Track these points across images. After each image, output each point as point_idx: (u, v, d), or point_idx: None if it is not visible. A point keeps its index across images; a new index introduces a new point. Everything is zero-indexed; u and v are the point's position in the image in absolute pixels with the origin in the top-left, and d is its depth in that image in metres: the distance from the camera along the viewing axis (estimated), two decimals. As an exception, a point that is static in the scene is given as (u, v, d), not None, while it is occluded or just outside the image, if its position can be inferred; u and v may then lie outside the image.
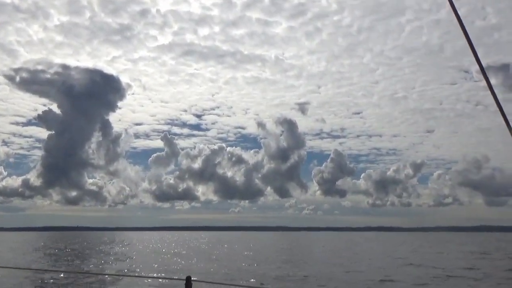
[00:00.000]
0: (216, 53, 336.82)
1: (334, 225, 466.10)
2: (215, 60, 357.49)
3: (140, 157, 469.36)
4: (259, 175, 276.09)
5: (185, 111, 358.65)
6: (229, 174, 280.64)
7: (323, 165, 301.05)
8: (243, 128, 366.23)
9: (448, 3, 2.81)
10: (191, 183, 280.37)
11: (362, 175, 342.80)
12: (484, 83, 2.72)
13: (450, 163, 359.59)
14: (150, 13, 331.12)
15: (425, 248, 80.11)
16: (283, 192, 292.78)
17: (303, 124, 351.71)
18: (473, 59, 2.69)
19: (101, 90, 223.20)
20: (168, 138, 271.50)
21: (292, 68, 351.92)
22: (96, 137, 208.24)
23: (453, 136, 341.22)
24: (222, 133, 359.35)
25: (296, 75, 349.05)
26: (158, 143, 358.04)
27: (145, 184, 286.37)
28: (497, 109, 2.74)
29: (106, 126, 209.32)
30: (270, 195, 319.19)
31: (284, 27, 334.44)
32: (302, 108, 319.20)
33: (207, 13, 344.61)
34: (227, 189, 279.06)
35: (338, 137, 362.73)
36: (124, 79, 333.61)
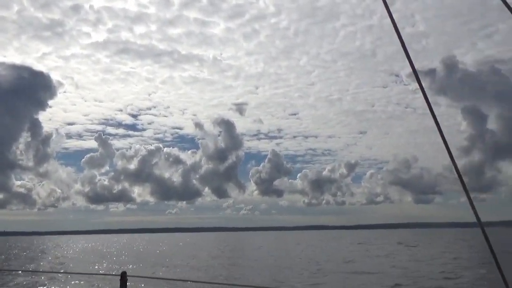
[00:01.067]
0: (152, 52, 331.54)
1: (271, 224, 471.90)
2: (152, 59, 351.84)
3: (72, 158, 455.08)
4: (197, 176, 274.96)
5: (121, 110, 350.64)
6: (166, 175, 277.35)
7: (261, 165, 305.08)
8: (180, 128, 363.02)
9: (383, 8, 2.92)
10: (126, 185, 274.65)
11: (299, 175, 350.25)
12: (412, 86, 2.86)
13: (382, 163, 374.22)
14: (83, 9, 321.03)
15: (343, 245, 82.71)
16: (221, 193, 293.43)
17: (241, 124, 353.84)
18: (403, 63, 2.81)
19: (30, 88, 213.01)
20: (102, 139, 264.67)
21: (230, 68, 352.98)
22: (25, 137, 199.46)
23: (385, 137, 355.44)
24: (159, 134, 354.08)
25: (234, 75, 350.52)
26: (92, 144, 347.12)
27: (77, 186, 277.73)
28: (428, 111, 2.87)
29: (35, 126, 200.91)
30: (208, 195, 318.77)
31: (222, 27, 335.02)
32: (240, 108, 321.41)
33: (144, 11, 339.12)
34: (164, 190, 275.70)
35: (275, 137, 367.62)
36: (55, 77, 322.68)
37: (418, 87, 2.77)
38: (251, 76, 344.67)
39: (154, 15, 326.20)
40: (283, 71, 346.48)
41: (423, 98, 2.60)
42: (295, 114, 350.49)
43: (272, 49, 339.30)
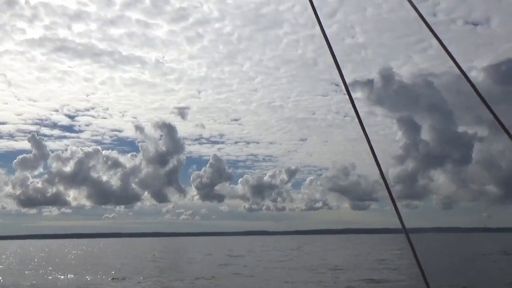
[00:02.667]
0: (92, 51, 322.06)
1: (211, 230, 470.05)
2: (91, 58, 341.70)
3: (3, 159, 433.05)
4: (136, 180, 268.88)
5: (56, 111, 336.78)
6: (104, 178, 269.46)
7: (202, 170, 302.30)
8: (120, 131, 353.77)
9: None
10: (61, 188, 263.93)
11: (240, 180, 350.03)
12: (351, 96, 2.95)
13: (321, 169, 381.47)
14: (18, 4, 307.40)
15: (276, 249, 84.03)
16: (160, 197, 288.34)
17: (183, 128, 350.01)
18: (343, 73, 2.91)
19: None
20: (36, 139, 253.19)
21: (173, 71, 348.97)
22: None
23: (324, 144, 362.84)
24: (97, 136, 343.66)
25: (176, 79, 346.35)
26: (25, 144, 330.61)
27: (8, 189, 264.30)
28: (365, 121, 2.98)
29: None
30: (147, 200, 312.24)
31: (165, 30, 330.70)
32: (182, 112, 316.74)
33: (83, 9, 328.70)
34: (101, 194, 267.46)
35: (217, 142, 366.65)
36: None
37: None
38: (193, 80, 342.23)
39: (94, 13, 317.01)
40: (226, 76, 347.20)
41: (352, 107, 2.70)
42: (237, 120, 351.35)
43: (215, 54, 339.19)
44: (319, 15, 3.01)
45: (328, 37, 2.94)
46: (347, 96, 2.90)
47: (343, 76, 2.57)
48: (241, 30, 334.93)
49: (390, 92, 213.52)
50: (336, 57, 2.94)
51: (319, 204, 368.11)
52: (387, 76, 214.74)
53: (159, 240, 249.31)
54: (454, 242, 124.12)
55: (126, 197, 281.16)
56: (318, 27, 2.90)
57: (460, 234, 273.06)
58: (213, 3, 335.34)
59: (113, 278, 36.51)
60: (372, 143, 2.95)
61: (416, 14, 2.92)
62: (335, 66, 2.96)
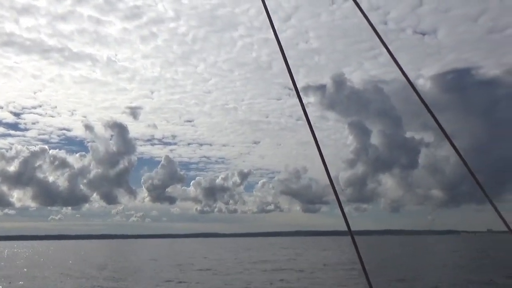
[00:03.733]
0: (40, 47, 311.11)
1: (162, 232, 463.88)
2: (40, 54, 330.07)
3: None
4: (85, 181, 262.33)
5: (1, 108, 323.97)
6: (51, 178, 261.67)
7: (154, 171, 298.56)
8: (68, 130, 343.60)
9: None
10: (5, 188, 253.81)
11: (192, 182, 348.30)
12: (304, 100, 3.01)
13: (274, 172, 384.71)
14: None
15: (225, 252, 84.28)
16: (110, 199, 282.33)
17: (134, 129, 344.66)
18: (296, 77, 2.95)
19: None
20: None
21: (125, 70, 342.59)
22: None
23: (277, 148, 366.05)
24: (44, 134, 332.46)
25: (128, 78, 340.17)
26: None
27: None
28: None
29: None
30: (96, 201, 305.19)
31: (118, 28, 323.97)
32: (134, 112, 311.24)
33: (32, 3, 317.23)
34: (48, 195, 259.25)
35: (169, 143, 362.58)
36: None
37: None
38: (146, 80, 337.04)
39: (44, 8, 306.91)
40: (180, 77, 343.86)
41: (302, 111, 2.75)
42: (190, 121, 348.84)
43: (169, 54, 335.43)
44: (272, 20, 3.05)
45: (283, 41, 2.98)
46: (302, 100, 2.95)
47: (294, 81, 2.61)
48: (196, 31, 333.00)
49: (342, 97, 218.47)
50: (290, 61, 2.98)
51: (271, 207, 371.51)
52: (339, 82, 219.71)
53: (106, 242, 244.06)
54: (400, 243, 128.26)
55: (73, 198, 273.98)
56: (272, 32, 2.94)
57: (406, 236, 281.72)
58: (168, 2, 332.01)
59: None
60: (323, 147, 3.01)
61: (368, 22, 3.01)
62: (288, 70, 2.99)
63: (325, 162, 2.77)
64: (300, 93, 2.88)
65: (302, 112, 2.86)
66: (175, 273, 41.14)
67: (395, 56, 2.93)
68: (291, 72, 2.54)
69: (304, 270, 42.18)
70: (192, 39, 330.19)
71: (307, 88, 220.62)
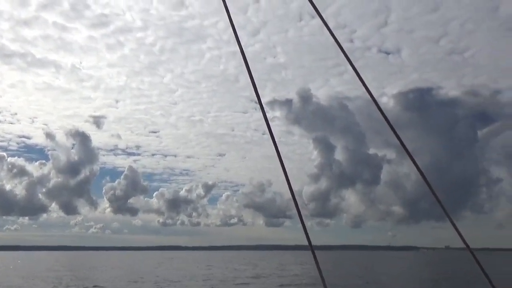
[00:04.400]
0: (2, 52, 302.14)
1: (122, 244, 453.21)
2: (1, 59, 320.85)
3: None
4: (44, 190, 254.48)
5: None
6: (8, 187, 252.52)
7: (116, 181, 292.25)
8: (28, 137, 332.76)
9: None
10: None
11: (155, 193, 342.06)
12: (270, 114, 3.01)
13: (238, 185, 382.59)
14: None
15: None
16: (69, 209, 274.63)
17: (97, 138, 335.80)
18: (263, 91, 2.96)
19: None
20: None
21: (90, 78, 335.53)
22: None
23: (242, 161, 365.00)
24: (2, 142, 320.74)
25: (93, 86, 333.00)
26: None
27: None
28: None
29: None
30: (54, 211, 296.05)
31: (84, 35, 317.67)
32: (97, 121, 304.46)
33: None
34: (4, 204, 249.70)
35: (133, 154, 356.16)
36: None
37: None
38: (111, 89, 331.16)
39: (7, 12, 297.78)
40: (146, 87, 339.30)
41: (266, 126, 2.75)
42: (155, 132, 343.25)
43: (136, 64, 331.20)
44: (241, 34, 3.05)
45: (251, 55, 2.98)
46: (267, 115, 2.94)
47: (259, 95, 2.61)
48: (164, 41, 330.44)
49: (307, 112, 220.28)
50: (257, 75, 2.99)
51: (234, 220, 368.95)
52: (305, 97, 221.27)
53: (63, 254, 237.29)
54: (360, 258, 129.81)
55: (31, 208, 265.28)
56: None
57: (367, 251, 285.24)
58: (136, 12, 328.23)
59: None
60: (288, 161, 3.02)
61: (334, 40, 3.05)
62: (255, 84, 3.00)
63: (287, 176, 2.77)
64: (266, 107, 2.89)
65: (266, 127, 2.86)
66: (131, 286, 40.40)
67: (360, 73, 2.98)
68: (255, 86, 2.54)
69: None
70: (160, 49, 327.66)
71: (273, 102, 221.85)
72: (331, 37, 3.08)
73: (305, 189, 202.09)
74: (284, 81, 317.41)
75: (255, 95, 2.92)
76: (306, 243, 2.98)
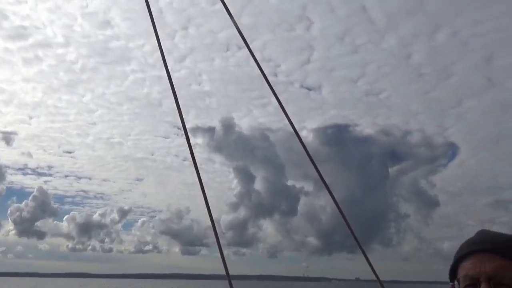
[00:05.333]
0: None
1: (26, 270, 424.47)
2: None
3: None
4: None
5: None
6: None
7: (23, 203, 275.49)
8: None
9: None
10: None
11: (66, 217, 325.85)
12: (192, 141, 3.00)
13: (155, 211, 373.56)
14: None
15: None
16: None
17: (5, 155, 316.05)
18: (186, 117, 2.95)
19: None
20: None
21: (2, 92, 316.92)
22: None
23: (161, 186, 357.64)
24: None
25: (5, 100, 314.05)
26: None
27: None
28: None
29: None
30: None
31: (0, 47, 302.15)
32: (7, 138, 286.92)
33: None
34: None
35: (44, 174, 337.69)
36: None
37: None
38: (25, 105, 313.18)
39: None
40: (64, 105, 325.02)
41: (189, 152, 2.74)
42: (70, 152, 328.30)
43: (54, 80, 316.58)
44: (167, 59, 3.05)
45: (175, 81, 2.98)
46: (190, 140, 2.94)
47: (184, 121, 2.61)
48: (86, 60, 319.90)
49: (229, 141, 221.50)
50: (181, 101, 2.98)
51: (149, 247, 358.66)
52: (228, 126, 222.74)
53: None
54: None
55: None
56: (164, 71, 2.93)
57: (282, 282, 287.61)
58: (58, 27, 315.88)
59: None
60: (208, 189, 3.01)
61: (259, 72, 3.13)
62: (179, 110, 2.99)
63: (208, 204, 2.76)
64: (190, 133, 2.88)
65: (188, 152, 2.85)
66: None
67: (284, 106, 3.06)
68: (181, 112, 2.54)
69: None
70: (81, 67, 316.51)
71: (196, 129, 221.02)
72: (256, 69, 3.15)
73: (223, 217, 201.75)
74: (208, 109, 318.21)
75: (178, 121, 2.91)
76: (223, 272, 2.95)
